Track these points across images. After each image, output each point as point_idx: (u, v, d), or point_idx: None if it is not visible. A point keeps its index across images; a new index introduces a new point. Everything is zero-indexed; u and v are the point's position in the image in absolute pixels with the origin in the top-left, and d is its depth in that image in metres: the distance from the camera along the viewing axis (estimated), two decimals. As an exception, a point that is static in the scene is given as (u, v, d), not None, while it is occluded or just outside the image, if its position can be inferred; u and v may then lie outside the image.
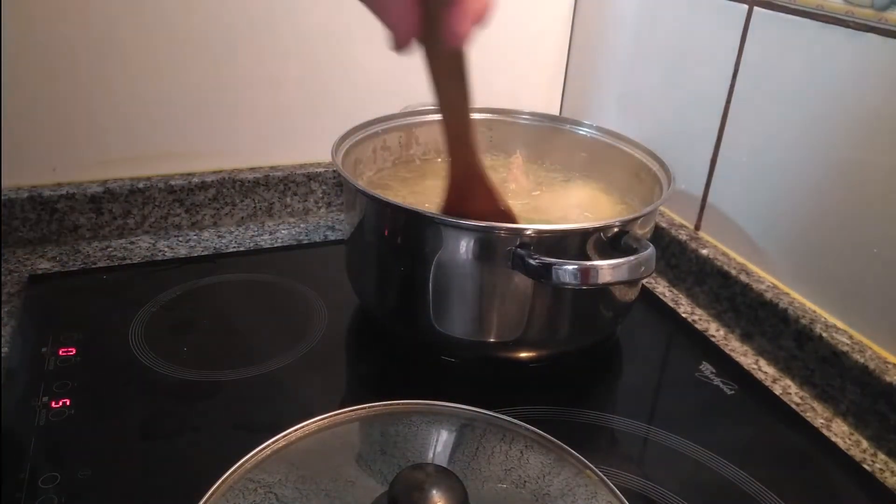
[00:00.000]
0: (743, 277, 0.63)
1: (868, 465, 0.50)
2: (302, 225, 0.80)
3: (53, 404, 0.50)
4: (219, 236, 0.76)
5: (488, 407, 0.39)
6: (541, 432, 0.38)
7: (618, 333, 0.63)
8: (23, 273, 0.66)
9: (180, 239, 0.75)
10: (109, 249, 0.72)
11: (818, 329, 0.56)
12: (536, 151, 0.72)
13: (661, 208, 0.67)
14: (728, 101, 0.65)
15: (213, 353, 0.57)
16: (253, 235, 0.77)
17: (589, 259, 0.49)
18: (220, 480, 0.33)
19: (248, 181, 0.78)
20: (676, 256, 0.70)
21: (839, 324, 0.57)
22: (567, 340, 0.56)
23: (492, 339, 0.54)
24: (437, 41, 0.35)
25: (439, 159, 0.72)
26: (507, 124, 0.73)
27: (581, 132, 0.70)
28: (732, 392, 0.56)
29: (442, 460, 0.36)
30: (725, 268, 0.64)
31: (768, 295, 0.60)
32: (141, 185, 0.74)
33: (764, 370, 0.60)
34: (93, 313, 0.61)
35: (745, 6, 0.62)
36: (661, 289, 0.71)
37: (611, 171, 0.67)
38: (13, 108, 0.68)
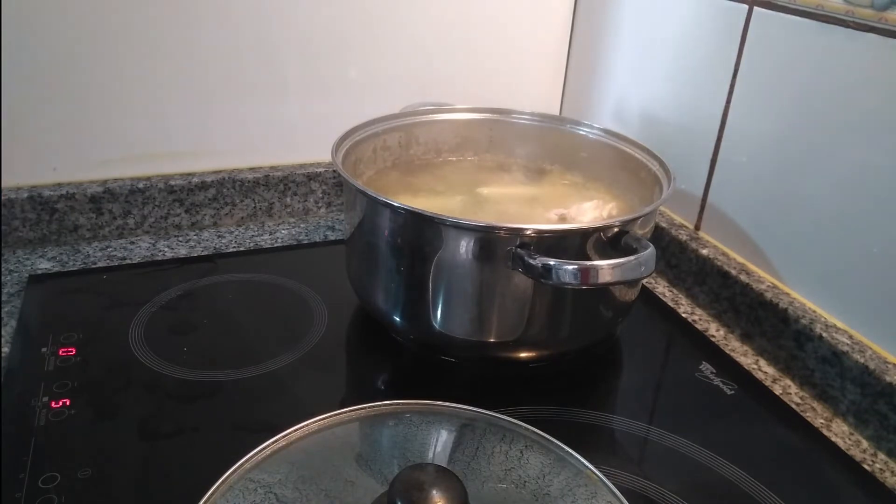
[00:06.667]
0: (743, 277, 0.63)
1: (868, 465, 0.50)
2: (302, 225, 0.80)
3: (53, 404, 0.50)
4: (219, 236, 0.76)
5: (488, 407, 0.39)
6: (541, 432, 0.38)
7: (618, 333, 0.63)
8: (23, 273, 0.66)
9: (180, 239, 0.75)
10: (109, 249, 0.72)
11: (818, 329, 0.56)
12: (536, 151, 0.72)
13: (661, 208, 0.67)
14: (728, 101, 0.65)
15: (213, 353, 0.57)
16: (253, 235, 0.77)
17: (589, 259, 0.49)
18: (220, 480, 0.33)
19: (248, 181, 0.78)
20: (676, 256, 0.70)
21: (839, 324, 0.56)
22: (567, 340, 0.56)
23: (492, 339, 0.53)
24: None
25: (439, 159, 0.72)
26: (507, 124, 0.72)
27: (581, 132, 0.70)
28: (732, 392, 0.56)
29: (442, 460, 0.36)
30: (725, 268, 0.64)
31: (768, 295, 0.60)
32: (141, 185, 0.74)
33: (764, 370, 0.60)
34: (93, 313, 0.61)
35: (745, 6, 0.62)
36: (661, 289, 0.71)
37: (611, 171, 0.67)
38: (13, 108, 0.68)
